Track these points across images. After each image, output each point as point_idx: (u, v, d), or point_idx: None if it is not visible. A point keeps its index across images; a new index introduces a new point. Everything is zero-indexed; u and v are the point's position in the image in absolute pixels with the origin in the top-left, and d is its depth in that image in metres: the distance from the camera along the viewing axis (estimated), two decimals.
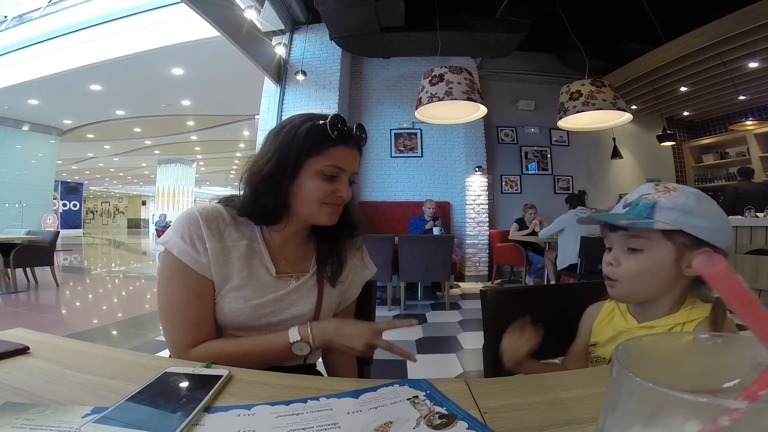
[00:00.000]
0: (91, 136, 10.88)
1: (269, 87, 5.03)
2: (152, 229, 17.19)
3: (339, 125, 0.72)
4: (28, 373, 0.52)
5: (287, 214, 0.75)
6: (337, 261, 0.82)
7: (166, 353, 0.80)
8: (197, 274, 0.70)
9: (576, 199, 3.87)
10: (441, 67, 3.12)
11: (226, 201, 0.79)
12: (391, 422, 0.42)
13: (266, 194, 0.72)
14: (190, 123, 9.81)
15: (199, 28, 4.77)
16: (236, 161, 15.29)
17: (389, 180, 5.55)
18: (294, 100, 4.95)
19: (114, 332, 3.09)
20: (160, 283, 0.72)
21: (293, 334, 0.69)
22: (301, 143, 0.71)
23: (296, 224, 0.78)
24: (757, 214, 3.91)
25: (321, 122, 0.72)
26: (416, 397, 0.48)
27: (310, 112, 0.78)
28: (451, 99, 3.02)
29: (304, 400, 0.47)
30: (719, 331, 0.63)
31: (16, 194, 9.55)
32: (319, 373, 0.83)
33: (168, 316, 0.71)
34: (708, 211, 0.63)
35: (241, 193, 0.77)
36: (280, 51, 4.68)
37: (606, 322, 0.77)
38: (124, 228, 26.55)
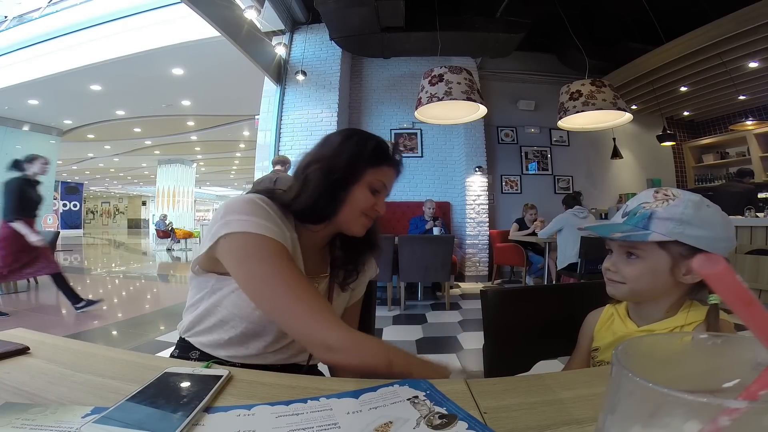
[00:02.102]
0: (91, 136, 10.88)
1: (269, 87, 5.03)
2: (152, 229, 17.18)
3: (398, 150, 0.81)
4: (28, 373, 0.52)
5: (329, 217, 0.77)
6: (354, 270, 0.85)
7: (166, 353, 0.80)
8: (290, 254, 0.66)
9: (571, 200, 3.88)
10: (441, 67, 3.13)
11: (269, 193, 0.76)
12: (391, 422, 0.42)
13: (326, 195, 0.74)
14: (190, 123, 9.81)
15: (199, 28, 4.78)
16: (236, 161, 15.29)
17: None
18: (294, 100, 4.95)
19: (114, 332, 3.09)
20: (261, 271, 0.61)
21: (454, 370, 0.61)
22: (369, 155, 0.76)
23: (331, 229, 0.80)
24: (758, 214, 3.91)
25: (386, 142, 0.80)
26: (416, 397, 0.48)
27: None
28: (450, 99, 3.02)
29: (304, 400, 0.47)
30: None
31: None
32: (320, 373, 0.83)
33: (301, 302, 0.59)
34: (707, 220, 0.63)
35: (296, 186, 0.75)
36: (280, 51, 4.68)
37: (606, 327, 0.78)
38: (124, 228, 26.54)
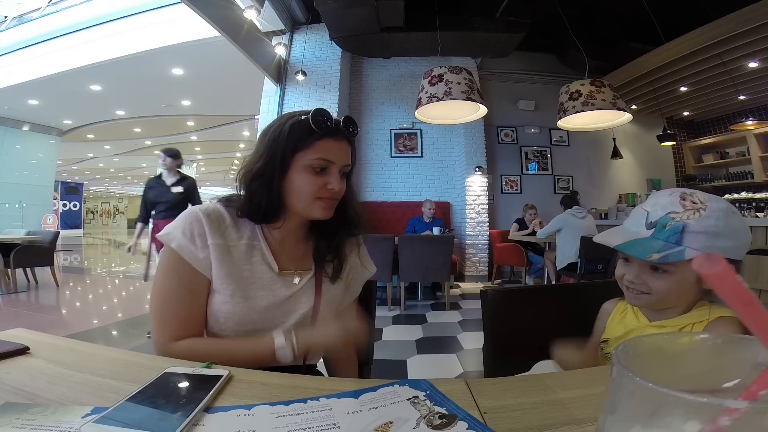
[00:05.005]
0: (91, 136, 10.87)
1: (269, 87, 5.03)
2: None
3: (321, 118, 0.72)
4: (28, 373, 0.52)
5: (283, 210, 0.76)
6: (336, 257, 0.82)
7: None
8: (192, 269, 0.71)
9: (569, 200, 3.89)
10: (440, 67, 3.12)
11: (227, 201, 0.79)
12: (391, 422, 0.42)
13: (259, 192, 0.73)
14: (190, 123, 9.80)
15: (199, 29, 4.77)
16: (236, 161, 15.29)
17: (389, 180, 5.54)
18: (294, 100, 4.94)
19: (114, 332, 3.09)
20: (156, 276, 0.73)
21: (279, 339, 0.68)
22: (286, 140, 0.72)
23: (294, 221, 0.78)
24: (758, 214, 3.91)
25: (303, 117, 0.73)
26: (416, 397, 0.48)
27: (298, 110, 0.78)
28: (450, 99, 3.01)
29: (304, 400, 0.47)
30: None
31: (16, 194, 9.54)
32: (319, 373, 0.83)
33: (158, 308, 0.71)
34: (735, 230, 0.63)
35: (237, 193, 0.78)
36: (280, 51, 4.68)
37: (618, 320, 0.78)
38: (124, 228, 26.51)
